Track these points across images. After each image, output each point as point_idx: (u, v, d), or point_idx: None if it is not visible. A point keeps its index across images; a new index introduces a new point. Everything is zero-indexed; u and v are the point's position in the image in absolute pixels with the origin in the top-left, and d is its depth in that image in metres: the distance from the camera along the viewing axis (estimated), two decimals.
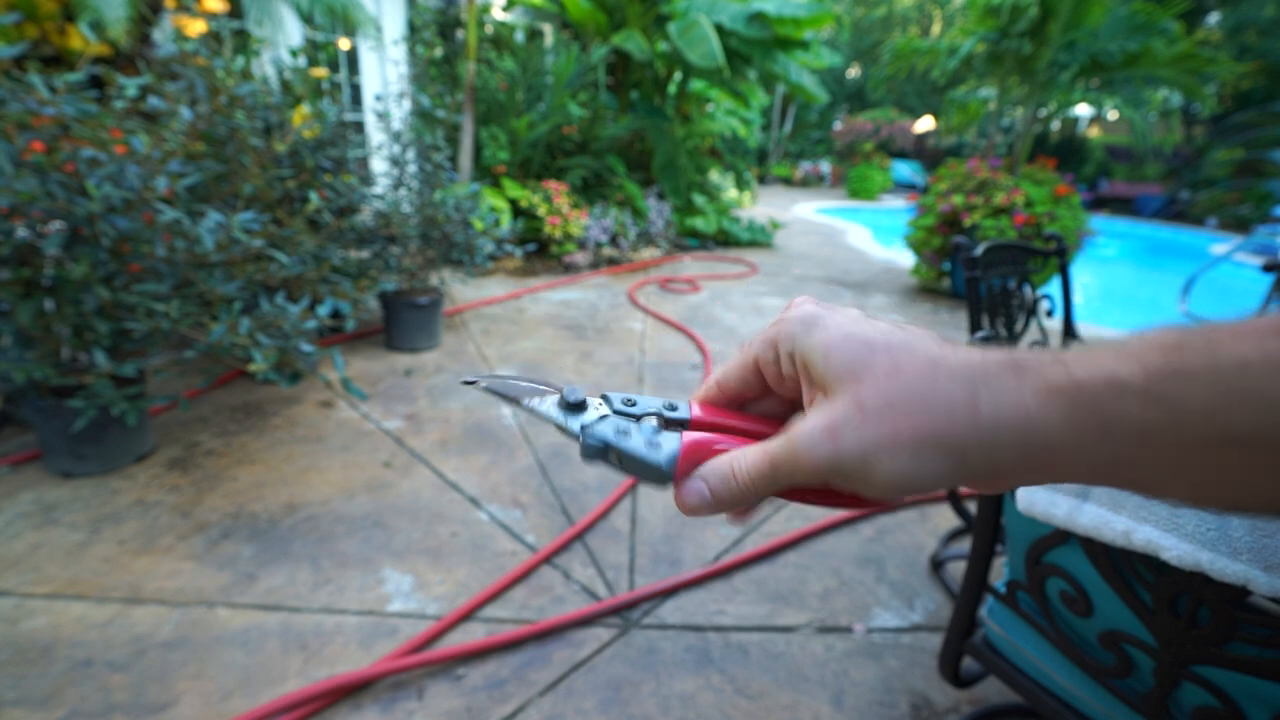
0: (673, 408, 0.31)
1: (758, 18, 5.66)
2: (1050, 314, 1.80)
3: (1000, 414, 0.24)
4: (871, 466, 0.25)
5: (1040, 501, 0.99)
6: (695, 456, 0.29)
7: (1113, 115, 13.05)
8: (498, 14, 7.16)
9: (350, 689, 1.34)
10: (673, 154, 6.36)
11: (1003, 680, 1.02)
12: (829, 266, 6.22)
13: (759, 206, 10.40)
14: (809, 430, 0.26)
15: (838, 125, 18.70)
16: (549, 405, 0.32)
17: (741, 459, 0.29)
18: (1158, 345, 0.23)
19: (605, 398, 0.32)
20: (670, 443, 0.29)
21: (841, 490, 0.28)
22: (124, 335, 2.00)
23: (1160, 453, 0.22)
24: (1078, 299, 1.85)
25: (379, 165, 4.12)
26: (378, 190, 3.38)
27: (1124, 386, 0.22)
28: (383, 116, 3.34)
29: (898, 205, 12.03)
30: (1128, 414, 0.22)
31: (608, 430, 0.30)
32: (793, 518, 2.04)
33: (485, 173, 5.43)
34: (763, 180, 15.40)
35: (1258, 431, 0.21)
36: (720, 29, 5.59)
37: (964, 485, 0.26)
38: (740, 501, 0.29)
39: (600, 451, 0.30)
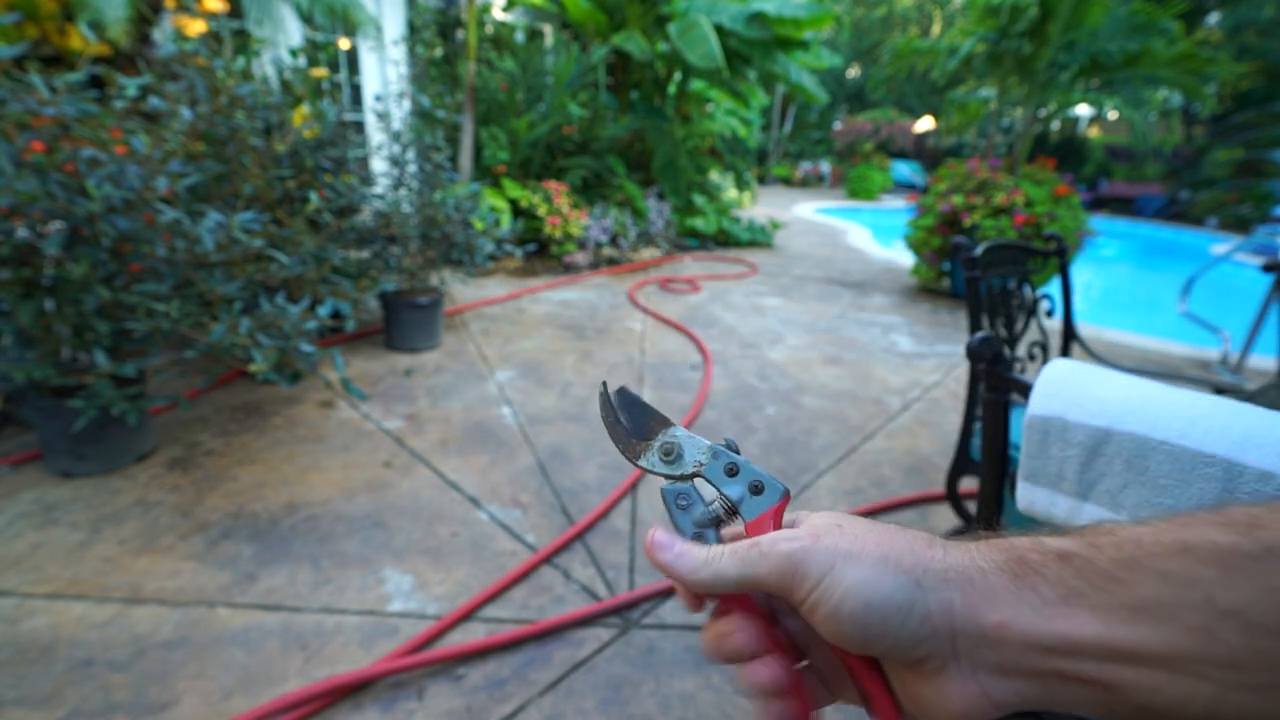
0: (758, 489, 0.34)
1: (757, 18, 5.67)
2: (1050, 314, 1.80)
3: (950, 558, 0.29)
4: (836, 569, 0.28)
5: (1040, 501, 0.99)
6: None
7: (1113, 115, 13.06)
8: (498, 14, 7.16)
9: (350, 689, 1.34)
10: (673, 154, 6.36)
11: None
12: (829, 266, 6.22)
13: (759, 206, 10.41)
14: (793, 531, 0.31)
15: (837, 125, 18.70)
16: (651, 453, 0.37)
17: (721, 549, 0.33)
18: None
19: (718, 450, 0.36)
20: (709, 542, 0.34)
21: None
22: (124, 335, 2.00)
23: None
24: (1077, 299, 1.85)
25: (379, 165, 4.12)
26: (378, 190, 3.38)
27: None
28: (383, 116, 3.34)
29: (897, 205, 12.03)
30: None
31: (670, 496, 0.36)
32: None
33: (485, 173, 5.44)
34: (763, 180, 15.40)
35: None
36: (720, 29, 5.59)
37: (917, 626, 0.27)
38: (702, 570, 0.32)
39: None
